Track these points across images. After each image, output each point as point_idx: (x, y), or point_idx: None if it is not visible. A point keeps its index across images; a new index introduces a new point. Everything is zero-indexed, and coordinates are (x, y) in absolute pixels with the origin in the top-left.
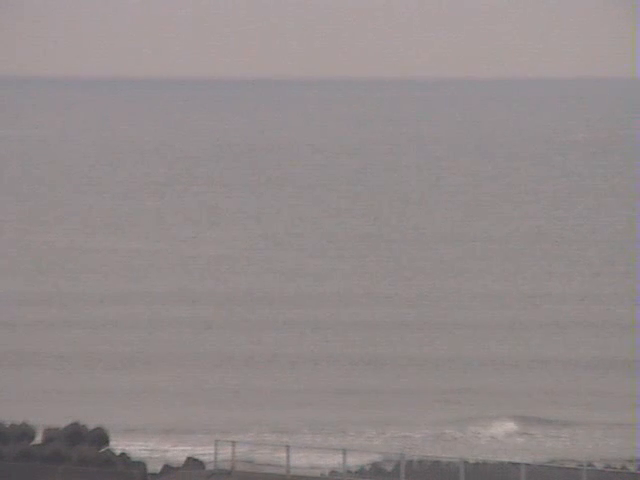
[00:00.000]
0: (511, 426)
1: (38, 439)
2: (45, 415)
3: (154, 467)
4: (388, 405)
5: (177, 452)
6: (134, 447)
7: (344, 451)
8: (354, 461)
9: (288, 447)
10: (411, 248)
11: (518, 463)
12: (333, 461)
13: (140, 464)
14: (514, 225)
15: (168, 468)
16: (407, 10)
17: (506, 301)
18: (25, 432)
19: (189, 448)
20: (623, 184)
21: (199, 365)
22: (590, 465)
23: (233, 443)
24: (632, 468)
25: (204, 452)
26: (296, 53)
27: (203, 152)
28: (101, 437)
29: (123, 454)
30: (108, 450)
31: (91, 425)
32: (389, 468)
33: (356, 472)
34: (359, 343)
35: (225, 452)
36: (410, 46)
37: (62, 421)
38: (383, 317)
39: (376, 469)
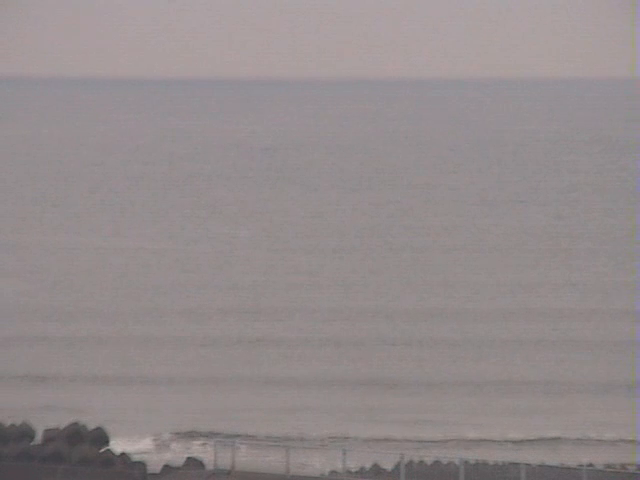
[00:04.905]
0: None
1: (38, 439)
2: None
3: (154, 467)
4: None
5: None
6: None
7: (344, 451)
8: (354, 461)
9: (288, 447)
10: (410, 252)
11: (518, 463)
12: (333, 461)
13: (140, 464)
14: (516, 227)
15: (168, 468)
16: (406, 10)
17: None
18: (25, 432)
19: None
20: (629, 183)
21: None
22: (590, 465)
23: (233, 443)
24: (632, 468)
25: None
26: (295, 53)
27: (203, 152)
28: (101, 437)
29: (123, 454)
30: (108, 450)
31: (91, 425)
32: (389, 468)
33: (356, 472)
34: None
35: (225, 452)
36: (409, 46)
37: None
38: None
39: (376, 469)
